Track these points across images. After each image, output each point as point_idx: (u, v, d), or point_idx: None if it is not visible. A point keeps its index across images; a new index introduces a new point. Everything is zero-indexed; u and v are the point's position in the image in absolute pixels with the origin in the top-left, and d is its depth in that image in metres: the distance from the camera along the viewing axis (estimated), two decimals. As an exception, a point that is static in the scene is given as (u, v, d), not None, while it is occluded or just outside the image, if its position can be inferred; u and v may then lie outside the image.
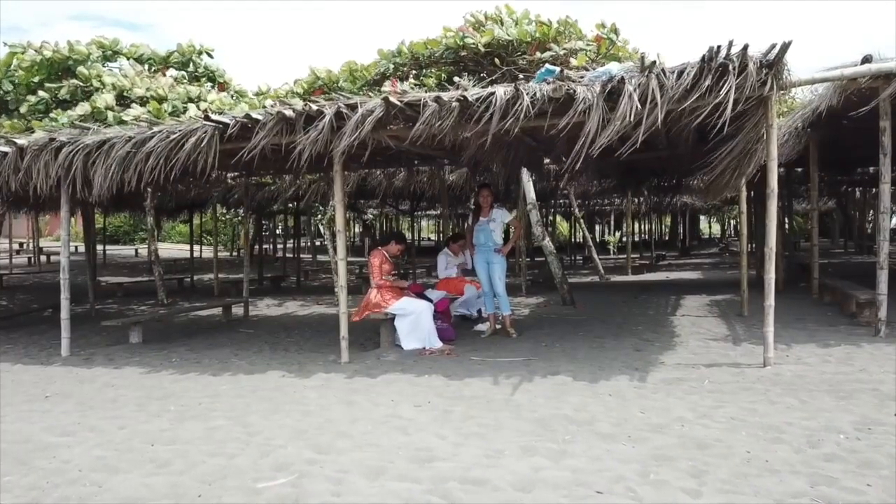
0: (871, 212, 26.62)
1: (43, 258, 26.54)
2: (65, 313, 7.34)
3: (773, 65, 4.85)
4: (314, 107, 5.64)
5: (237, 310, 10.41)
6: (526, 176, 10.62)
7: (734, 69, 4.78)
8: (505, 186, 11.42)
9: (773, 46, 4.73)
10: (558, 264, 10.55)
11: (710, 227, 53.96)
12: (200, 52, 12.17)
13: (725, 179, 6.36)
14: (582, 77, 5.26)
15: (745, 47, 4.72)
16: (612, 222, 36.21)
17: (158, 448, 3.91)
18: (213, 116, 5.94)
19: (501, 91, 5.26)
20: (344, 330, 6.25)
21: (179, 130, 6.16)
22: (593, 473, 3.20)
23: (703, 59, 4.81)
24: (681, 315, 8.71)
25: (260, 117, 5.82)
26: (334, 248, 9.68)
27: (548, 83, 5.23)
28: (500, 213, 7.57)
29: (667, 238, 37.69)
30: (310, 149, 5.74)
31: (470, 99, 5.27)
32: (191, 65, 12.08)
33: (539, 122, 5.55)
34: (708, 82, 4.81)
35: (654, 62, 4.86)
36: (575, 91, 5.06)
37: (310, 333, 8.37)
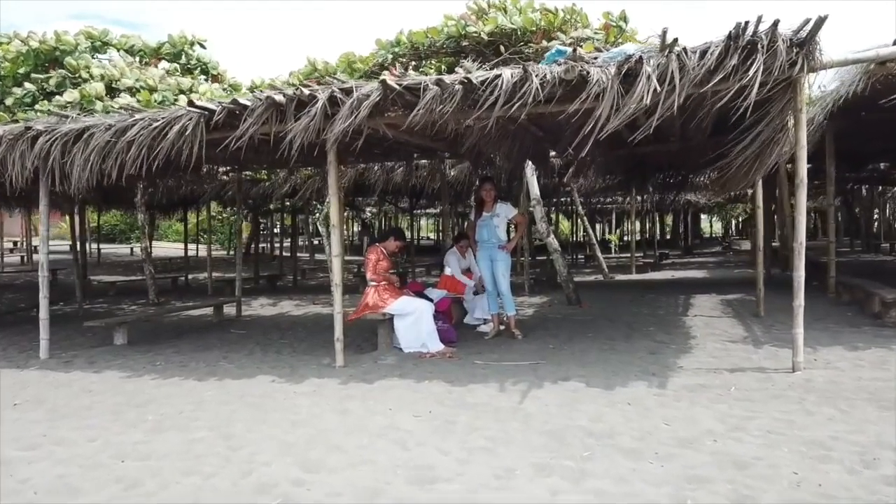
0: (877, 210, 26.27)
1: (36, 257, 26.17)
2: (44, 313, 6.92)
3: (805, 43, 4.45)
4: (306, 91, 5.24)
5: (230, 309, 10.01)
6: (530, 171, 10.22)
7: (762, 48, 4.38)
8: (507, 183, 11.01)
9: (807, 22, 4.33)
10: (563, 262, 10.15)
11: (710, 226, 53.50)
12: (193, 44, 11.79)
13: (744, 171, 5.95)
14: (595, 59, 4.86)
15: (776, 23, 4.32)
16: (614, 221, 35.80)
17: (129, 464, 3.51)
18: (199, 102, 5.53)
19: (508, 73, 4.86)
20: (339, 331, 5.85)
21: (163, 118, 5.75)
22: (621, 498, 2.80)
23: (728, 36, 4.41)
24: (693, 315, 8.32)
25: (248, 103, 5.42)
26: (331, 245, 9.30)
27: (558, 64, 4.83)
28: (503, 209, 7.17)
29: (668, 237, 37.26)
30: (301, 137, 5.33)
31: (474, 81, 4.87)
32: (183, 56, 11.71)
33: (548, 108, 5.16)
34: (734, 62, 4.41)
35: (675, 39, 4.45)
36: (588, 73, 4.66)
37: (304, 334, 7.97)
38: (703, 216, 43.92)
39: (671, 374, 5.06)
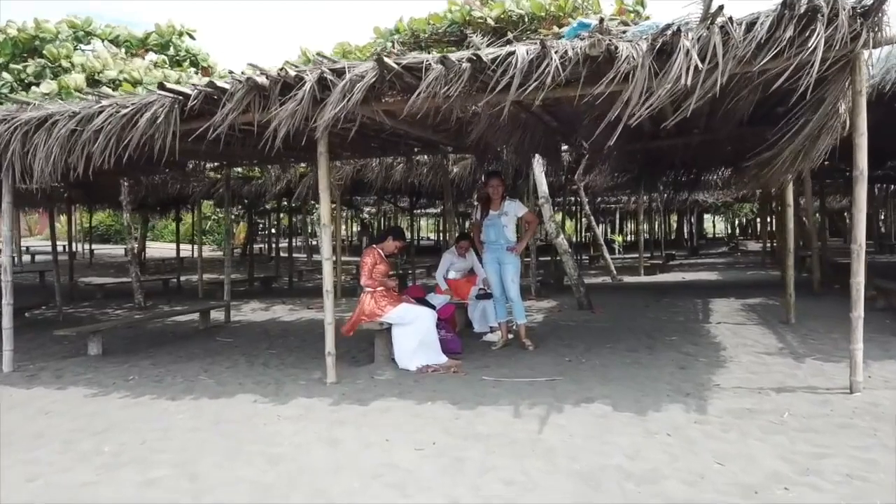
0: (886, 210, 25.61)
1: (27, 258, 25.55)
2: (6, 322, 6.28)
3: (871, 13, 3.83)
4: (292, 72, 4.60)
5: (220, 314, 9.37)
6: (538, 168, 9.58)
7: (823, 17, 3.75)
8: (512, 180, 10.37)
9: (875, -13, 3.70)
10: (573, 264, 9.51)
11: (713, 226, 52.72)
12: (181, 34, 11.20)
13: (787, 164, 5.32)
14: (623, 33, 4.23)
15: (839, -12, 3.69)
16: (617, 220, 35.18)
17: (68, 516, 2.88)
18: (171, 85, 4.89)
19: (523, 50, 4.23)
20: (330, 344, 5.20)
21: (132, 104, 5.12)
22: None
23: (783, 3, 3.77)
24: (716, 322, 7.68)
25: (227, 86, 4.78)
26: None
27: (581, 39, 4.20)
28: (512, 206, 6.53)
29: (672, 237, 36.61)
30: (287, 124, 4.70)
31: (485, 59, 4.23)
32: (171, 47, 11.12)
33: (567, 92, 4.53)
34: (789, 34, 3.78)
35: (721, 7, 3.81)
36: (617, 48, 4.03)
37: (295, 343, 7.33)
38: (706, 216, 43.24)
39: (709, 394, 4.41)
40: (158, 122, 5.01)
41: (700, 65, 3.81)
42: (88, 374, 5.97)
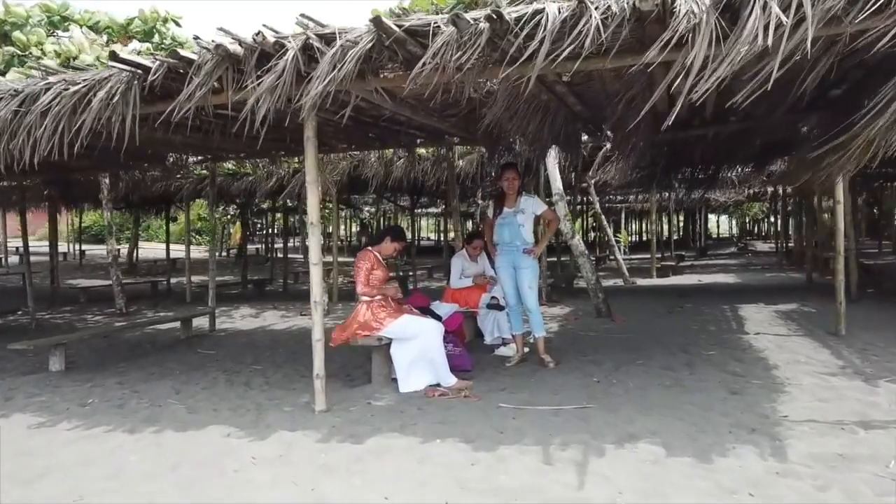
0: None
1: (14, 259, 24.75)
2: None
3: None
4: (271, 38, 3.79)
5: (205, 321, 8.58)
6: (551, 161, 8.79)
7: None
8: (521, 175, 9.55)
9: None
10: (591, 268, 8.70)
11: (718, 226, 51.85)
12: (166, 21, 10.38)
13: (858, 153, 4.51)
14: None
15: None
16: (623, 220, 34.35)
17: None
18: (126, 56, 4.09)
19: (555, 7, 3.43)
20: (319, 365, 4.38)
21: (83, 80, 4.31)
22: None
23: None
24: (754, 333, 6.86)
25: (194, 57, 3.98)
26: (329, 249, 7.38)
27: (627, -7, 3.39)
28: (530, 203, 5.75)
29: (676, 237, 35.76)
30: (267, 103, 3.89)
31: (507, 18, 3.43)
32: (155, 35, 10.31)
33: (604, 62, 3.73)
34: (897, -19, 2.98)
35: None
36: (674, 0, 3.22)
37: (283, 357, 6.52)
38: (710, 216, 42.37)
39: (781, 431, 3.60)
40: (115, 101, 4.20)
41: (784, 19, 3.00)
42: (43, 396, 5.17)
